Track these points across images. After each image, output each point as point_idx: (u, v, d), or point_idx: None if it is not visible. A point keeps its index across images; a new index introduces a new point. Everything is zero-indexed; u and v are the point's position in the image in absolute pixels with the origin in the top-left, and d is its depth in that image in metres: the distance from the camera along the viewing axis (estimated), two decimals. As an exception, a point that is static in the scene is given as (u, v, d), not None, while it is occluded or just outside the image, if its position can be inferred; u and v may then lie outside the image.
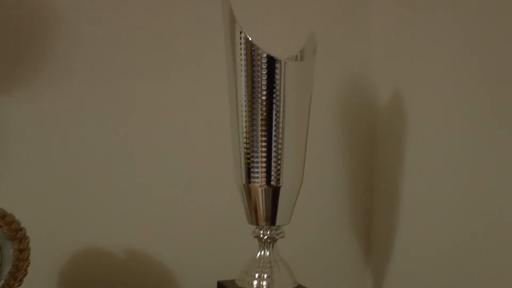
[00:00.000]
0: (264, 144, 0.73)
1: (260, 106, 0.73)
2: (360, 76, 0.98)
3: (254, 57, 0.72)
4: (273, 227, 0.77)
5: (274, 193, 0.75)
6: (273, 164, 0.74)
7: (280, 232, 0.77)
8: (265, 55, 0.72)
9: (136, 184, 0.88)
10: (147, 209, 0.89)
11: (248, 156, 0.74)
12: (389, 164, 0.95)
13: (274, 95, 0.73)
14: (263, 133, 0.73)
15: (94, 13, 0.86)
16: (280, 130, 0.73)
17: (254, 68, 0.72)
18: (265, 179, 0.74)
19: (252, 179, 0.75)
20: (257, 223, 0.76)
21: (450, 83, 0.81)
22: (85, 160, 0.87)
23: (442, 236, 0.83)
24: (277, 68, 0.72)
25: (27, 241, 0.71)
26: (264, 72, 0.72)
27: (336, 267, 0.98)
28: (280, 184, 0.75)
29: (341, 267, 0.98)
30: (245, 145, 0.74)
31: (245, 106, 0.73)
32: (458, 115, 0.80)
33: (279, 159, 0.74)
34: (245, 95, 0.73)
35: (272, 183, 0.74)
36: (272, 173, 0.74)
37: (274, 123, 0.73)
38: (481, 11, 0.76)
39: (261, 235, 0.77)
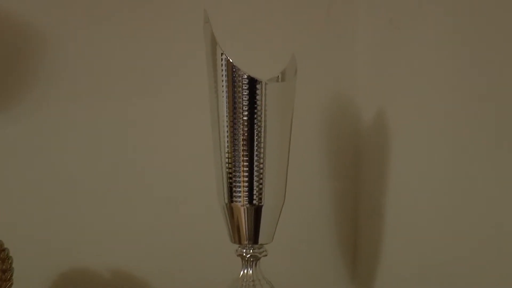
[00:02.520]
0: (245, 163, 0.74)
1: (241, 126, 0.74)
2: (345, 95, 1.00)
3: (235, 78, 0.73)
4: (256, 246, 0.77)
5: (256, 212, 0.76)
6: (255, 183, 0.75)
7: (263, 251, 0.78)
8: (246, 76, 0.73)
9: (122, 203, 0.89)
10: (132, 227, 0.90)
11: (230, 175, 0.75)
12: (374, 182, 0.95)
13: (255, 116, 0.74)
14: (245, 153, 0.74)
15: (78, 34, 0.88)
16: (262, 150, 0.74)
17: (235, 89, 0.73)
18: (247, 198, 0.75)
19: (234, 198, 0.75)
20: (239, 242, 0.77)
21: (434, 102, 0.82)
22: (71, 180, 0.87)
23: (428, 253, 0.83)
24: (258, 89, 0.73)
25: (10, 261, 0.72)
26: (245, 93, 0.73)
27: (321, 285, 0.98)
28: (262, 203, 0.76)
29: (327, 285, 0.99)
30: (227, 164, 0.75)
31: (227, 126, 0.74)
32: (443, 135, 0.81)
33: (261, 178, 0.75)
34: (226, 116, 0.74)
35: (254, 202, 0.75)
36: (254, 192, 0.75)
37: (255, 143, 0.74)
38: (466, 31, 0.77)
39: (244, 254, 0.77)
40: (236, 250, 0.78)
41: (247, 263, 0.78)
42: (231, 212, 0.76)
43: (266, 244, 0.78)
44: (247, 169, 0.74)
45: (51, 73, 0.87)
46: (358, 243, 0.99)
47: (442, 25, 0.81)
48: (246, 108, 0.74)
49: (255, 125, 0.74)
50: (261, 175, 0.75)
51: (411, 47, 0.87)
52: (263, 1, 0.95)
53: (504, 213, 0.70)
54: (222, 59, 0.73)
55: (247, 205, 0.75)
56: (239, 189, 0.75)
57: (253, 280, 0.78)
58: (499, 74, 0.71)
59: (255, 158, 0.74)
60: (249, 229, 0.76)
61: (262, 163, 0.75)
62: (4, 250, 0.72)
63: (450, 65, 0.79)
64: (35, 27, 0.86)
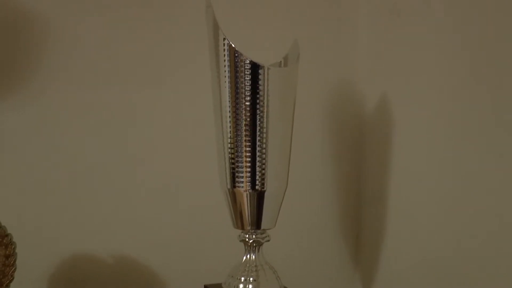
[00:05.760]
0: (248, 149, 0.74)
1: (244, 112, 0.74)
2: (348, 82, 0.99)
3: (238, 64, 0.73)
4: (259, 231, 0.77)
5: (259, 197, 0.76)
6: (257, 169, 0.75)
7: (266, 236, 0.78)
8: (248, 62, 0.73)
9: (124, 189, 0.89)
10: (135, 214, 0.90)
11: (232, 161, 0.75)
12: (377, 169, 0.95)
13: (257, 101, 0.74)
14: (247, 138, 0.74)
15: (82, 20, 0.87)
16: (264, 135, 0.74)
17: (238, 74, 0.73)
18: (249, 183, 0.75)
19: (237, 184, 0.76)
20: (242, 227, 0.77)
21: (436, 88, 0.82)
22: (73, 166, 0.88)
23: (430, 240, 0.84)
24: (260, 74, 0.73)
25: (13, 247, 0.72)
26: (248, 78, 0.73)
27: (324, 271, 0.99)
28: (264, 188, 0.76)
29: (330, 271, 0.99)
30: (229, 150, 0.75)
31: (229, 111, 0.74)
32: (445, 120, 0.81)
33: (264, 164, 0.75)
34: (229, 101, 0.74)
35: (257, 187, 0.75)
36: (257, 177, 0.75)
37: (258, 128, 0.74)
38: (468, 18, 0.77)
39: (247, 239, 0.78)
40: (239, 236, 0.78)
41: (250, 248, 0.78)
42: (233, 198, 0.76)
43: (269, 229, 0.78)
44: (249, 154, 0.74)
45: (54, 61, 0.86)
46: (362, 228, 1.00)
47: (444, 12, 0.81)
48: (248, 93, 0.73)
49: (258, 110, 0.74)
50: (264, 161, 0.75)
51: (413, 33, 0.87)
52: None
53: (507, 201, 0.70)
54: (224, 44, 0.73)
55: (249, 191, 0.75)
56: (242, 175, 0.75)
57: (255, 266, 0.78)
58: (501, 60, 0.71)
59: (258, 143, 0.74)
60: (251, 214, 0.76)
61: (264, 149, 0.74)
62: (7, 235, 0.72)
63: (452, 51, 0.79)
64: (39, 14, 0.85)
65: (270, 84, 0.73)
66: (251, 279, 0.77)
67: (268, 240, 0.78)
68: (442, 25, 0.81)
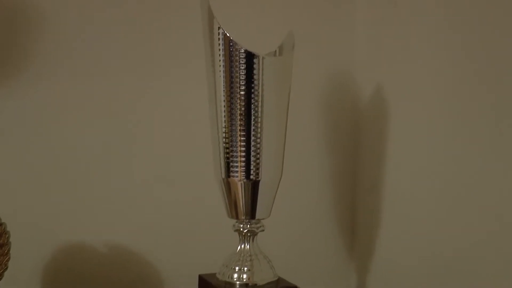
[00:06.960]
0: (243, 138, 0.74)
1: (238, 101, 0.74)
2: (344, 73, 0.99)
3: (232, 53, 0.73)
4: (253, 221, 0.77)
5: (253, 187, 0.76)
6: (252, 158, 0.75)
7: (260, 226, 0.78)
8: (243, 51, 0.72)
9: (118, 179, 0.89)
10: (129, 204, 0.90)
11: (227, 150, 0.75)
12: (373, 160, 0.95)
13: (252, 90, 0.73)
14: (242, 128, 0.74)
15: (78, 10, 0.87)
16: (259, 125, 0.74)
17: (232, 64, 0.73)
18: (244, 173, 0.75)
19: (231, 173, 0.75)
20: (237, 217, 0.77)
21: (433, 80, 0.82)
22: (67, 157, 0.87)
23: (424, 230, 0.84)
24: (255, 63, 0.73)
25: (7, 236, 0.72)
26: (243, 68, 0.73)
27: (319, 261, 0.99)
28: (259, 178, 0.75)
29: (325, 261, 0.99)
30: (224, 139, 0.75)
31: (224, 101, 0.74)
32: (441, 112, 0.81)
33: (258, 153, 0.75)
34: (223, 91, 0.74)
35: (252, 177, 0.75)
36: (251, 167, 0.75)
37: (252, 117, 0.74)
38: (466, 9, 0.77)
39: (241, 229, 0.78)
40: (234, 225, 0.78)
41: (244, 238, 0.78)
42: (228, 187, 0.76)
43: (263, 219, 0.78)
44: (244, 144, 0.74)
45: (52, 52, 0.86)
46: (357, 219, 1.00)
47: (442, 3, 0.81)
48: (243, 83, 0.73)
49: (252, 100, 0.74)
50: (258, 150, 0.75)
51: (410, 24, 0.86)
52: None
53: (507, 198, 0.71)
54: (219, 33, 0.73)
55: (244, 180, 0.75)
56: (236, 164, 0.75)
57: (250, 255, 0.78)
58: (502, 52, 0.71)
59: (252, 133, 0.74)
60: (246, 204, 0.76)
61: (259, 138, 0.74)
62: (1, 224, 0.72)
63: (451, 42, 0.79)
64: (38, 3, 0.85)
65: (265, 74, 0.73)
66: (245, 268, 0.77)
67: (263, 230, 0.78)
68: (440, 17, 0.81)
